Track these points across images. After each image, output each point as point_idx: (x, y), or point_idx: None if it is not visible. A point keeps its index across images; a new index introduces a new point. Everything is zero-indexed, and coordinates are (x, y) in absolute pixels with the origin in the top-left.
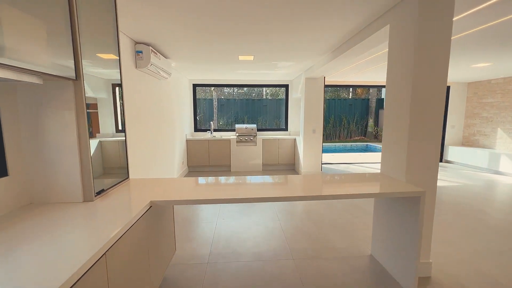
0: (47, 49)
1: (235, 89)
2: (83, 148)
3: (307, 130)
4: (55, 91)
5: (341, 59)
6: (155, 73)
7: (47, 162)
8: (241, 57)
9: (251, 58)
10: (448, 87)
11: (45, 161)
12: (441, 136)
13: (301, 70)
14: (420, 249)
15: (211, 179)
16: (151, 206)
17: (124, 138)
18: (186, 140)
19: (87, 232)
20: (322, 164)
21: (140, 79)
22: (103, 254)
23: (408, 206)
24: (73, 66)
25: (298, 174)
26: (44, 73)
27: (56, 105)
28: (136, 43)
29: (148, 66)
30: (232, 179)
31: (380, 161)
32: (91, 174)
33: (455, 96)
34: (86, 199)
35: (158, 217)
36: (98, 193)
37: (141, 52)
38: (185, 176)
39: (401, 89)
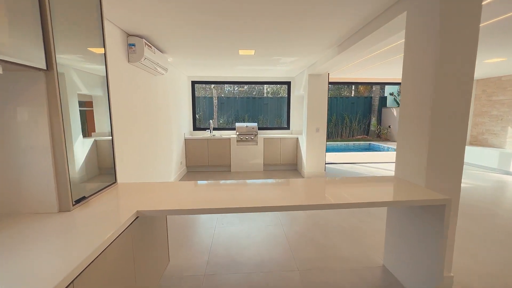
0: (7, 29)
1: (236, 87)
2: (57, 150)
3: (310, 129)
4: (23, 84)
5: (348, 53)
6: (150, 68)
7: (15, 167)
8: (241, 52)
9: (252, 52)
10: None
11: (12, 165)
12: (466, 135)
13: (304, 66)
14: (444, 262)
15: (207, 184)
16: (137, 217)
17: (111, 137)
18: (185, 139)
19: (54, 252)
20: (325, 164)
21: (133, 74)
22: (69, 283)
23: (429, 215)
24: (43, 54)
25: (300, 174)
26: (3, 60)
27: (25, 101)
28: (129, 35)
29: (142, 60)
30: (230, 184)
31: (385, 160)
32: (68, 179)
33: None
34: (62, 208)
35: (148, 227)
36: (78, 201)
37: (133, 45)
38: (184, 176)
39: (420, 84)
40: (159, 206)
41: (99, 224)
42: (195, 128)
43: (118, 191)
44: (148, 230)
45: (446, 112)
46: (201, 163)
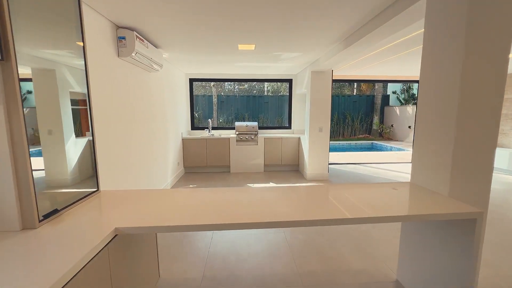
0: None
1: (236, 85)
2: (19, 157)
3: (313, 128)
4: None
5: (355, 48)
6: (143, 64)
7: None
8: (241, 46)
9: (252, 47)
10: None
11: None
12: (497, 137)
13: (307, 63)
14: (475, 283)
15: (202, 191)
16: (116, 235)
17: (92, 138)
18: (182, 139)
19: (7, 283)
20: (328, 165)
21: (124, 70)
22: None
23: (455, 228)
24: None
25: (302, 175)
26: None
27: None
28: (118, 27)
29: (133, 54)
30: (228, 192)
31: (390, 161)
32: (33, 191)
33: None
34: (27, 225)
35: (131, 242)
36: (48, 215)
37: (123, 38)
38: (181, 178)
39: (444, 80)
40: (143, 221)
41: (69, 245)
42: (194, 127)
43: (100, 201)
44: (131, 245)
45: (474, 111)
46: (200, 164)
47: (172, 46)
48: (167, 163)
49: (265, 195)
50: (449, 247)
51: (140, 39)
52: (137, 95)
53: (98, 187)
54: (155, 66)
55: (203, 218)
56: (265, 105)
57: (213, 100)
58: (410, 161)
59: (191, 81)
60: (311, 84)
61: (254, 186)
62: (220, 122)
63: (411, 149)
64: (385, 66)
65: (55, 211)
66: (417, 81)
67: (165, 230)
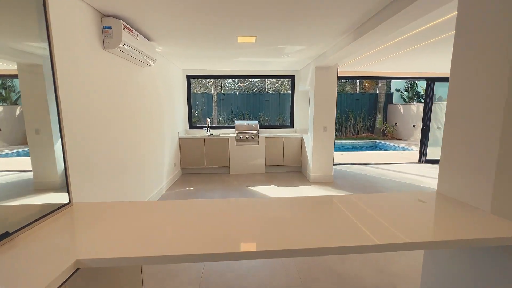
0: None
1: (236, 83)
2: None
3: (317, 127)
4: None
5: (368, 38)
6: (133, 58)
7: None
8: (240, 39)
9: (252, 39)
10: None
11: None
12: None
13: (311, 58)
14: None
15: (193, 206)
16: (77, 269)
17: (61, 142)
18: (179, 139)
19: None
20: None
21: (111, 64)
22: None
23: (499, 255)
24: None
25: (305, 177)
26: None
27: None
28: (104, 16)
29: (120, 46)
30: (225, 207)
31: (395, 161)
32: None
33: None
34: None
35: (104, 274)
36: None
37: (109, 27)
38: (178, 179)
39: (484, 75)
40: (116, 249)
41: (13, 282)
42: (191, 126)
43: (69, 219)
44: (102, 279)
45: None
46: (197, 165)
47: (166, 38)
48: (162, 165)
49: (270, 210)
50: (489, 279)
51: (128, 29)
52: (128, 92)
53: (70, 200)
54: (147, 60)
55: (194, 244)
56: (266, 103)
57: (213, 98)
58: (417, 161)
59: (189, 77)
60: (315, 81)
61: (254, 189)
62: (219, 121)
63: (417, 149)
64: (392, 62)
65: (5, 235)
66: (424, 78)
67: (143, 262)
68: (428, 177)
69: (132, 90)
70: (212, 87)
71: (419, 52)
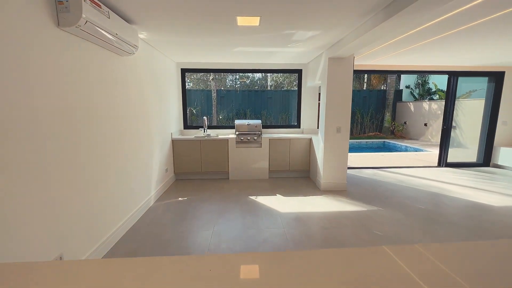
0: None
1: (237, 79)
2: None
3: (329, 128)
4: None
5: (397, 20)
6: (104, 42)
7: None
8: (241, 20)
9: (255, 21)
10: (502, 73)
11: None
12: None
13: (323, 47)
14: None
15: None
16: None
17: None
18: (172, 140)
19: None
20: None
21: (69, 47)
22: None
23: None
24: None
25: (315, 184)
26: None
27: None
28: None
29: (80, 23)
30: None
31: (411, 164)
32: None
33: (508, 84)
34: None
35: None
36: None
37: None
38: (171, 186)
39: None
40: None
41: None
42: (187, 126)
43: None
44: None
45: None
46: (193, 170)
47: (150, 21)
48: (150, 172)
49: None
50: None
51: (94, 2)
52: (102, 85)
53: None
54: (126, 47)
55: None
56: (268, 100)
57: (212, 95)
58: (436, 164)
59: (184, 71)
60: (328, 74)
61: (257, 199)
62: (220, 119)
63: (431, 150)
64: (412, 53)
65: None
66: (446, 72)
67: None
68: (454, 184)
69: (107, 82)
70: (212, 83)
71: (443, 42)
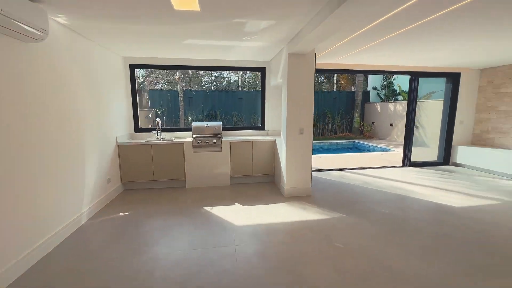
0: None
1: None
2: None
3: (292, 129)
4: None
5: (346, 11)
6: None
7: None
8: (176, 3)
9: (195, 5)
10: (458, 74)
11: None
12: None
13: (283, 41)
14: None
15: None
16: None
17: None
18: (117, 145)
19: None
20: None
21: None
22: None
23: None
24: None
25: (279, 190)
26: None
27: None
28: None
29: None
30: None
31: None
32: None
33: (464, 85)
34: None
35: None
36: None
37: None
38: (116, 198)
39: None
40: None
41: None
42: (139, 129)
43: None
44: None
45: None
46: (144, 178)
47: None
48: (82, 183)
49: None
50: None
51: None
52: None
53: None
54: (26, 30)
55: None
56: (240, 101)
57: (179, 96)
58: (401, 164)
59: (132, 67)
60: (288, 71)
61: (212, 210)
62: (189, 122)
63: (397, 149)
64: (372, 53)
65: None
66: (407, 73)
67: None
68: (417, 184)
69: (7, 73)
70: (178, 83)
71: (403, 39)
